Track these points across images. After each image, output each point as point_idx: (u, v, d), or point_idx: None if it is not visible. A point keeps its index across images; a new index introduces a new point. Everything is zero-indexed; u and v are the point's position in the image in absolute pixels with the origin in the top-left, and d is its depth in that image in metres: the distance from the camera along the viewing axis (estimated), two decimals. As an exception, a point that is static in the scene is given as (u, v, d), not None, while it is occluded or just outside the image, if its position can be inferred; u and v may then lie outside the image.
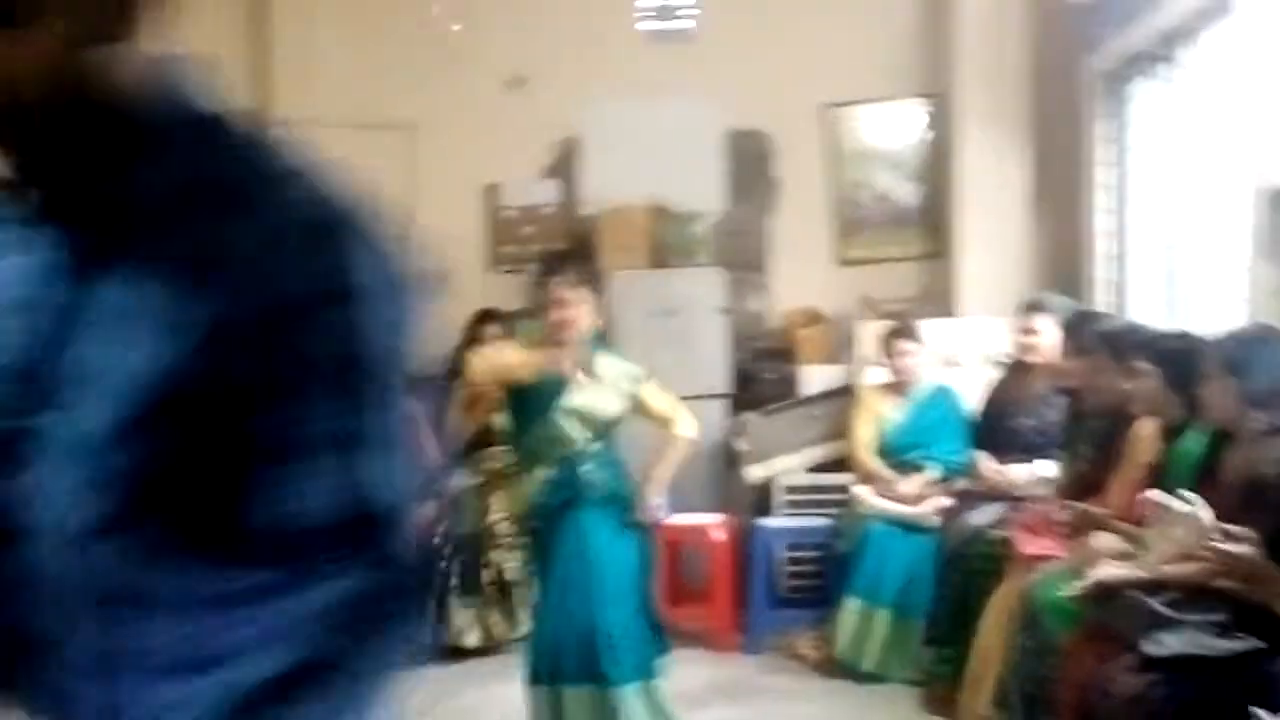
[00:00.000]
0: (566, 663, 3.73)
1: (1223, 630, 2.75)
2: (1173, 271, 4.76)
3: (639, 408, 3.93)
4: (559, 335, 3.77)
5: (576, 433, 3.81)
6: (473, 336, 5.90)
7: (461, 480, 5.66)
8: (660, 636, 3.95)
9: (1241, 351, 3.07)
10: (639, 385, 3.92)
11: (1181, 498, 3.09)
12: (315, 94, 6.04)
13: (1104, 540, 3.68)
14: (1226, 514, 3.11)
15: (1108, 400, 4.04)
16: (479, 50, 6.39)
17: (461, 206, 6.47)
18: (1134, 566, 3.23)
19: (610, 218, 6.19)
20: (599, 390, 3.83)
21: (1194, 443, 3.44)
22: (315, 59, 6.25)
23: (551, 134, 6.49)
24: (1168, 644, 2.70)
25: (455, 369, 5.93)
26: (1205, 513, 2.92)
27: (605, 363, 3.90)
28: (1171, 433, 3.60)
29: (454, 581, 5.41)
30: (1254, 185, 3.82)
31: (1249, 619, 2.77)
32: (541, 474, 3.83)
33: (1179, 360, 3.48)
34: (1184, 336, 3.77)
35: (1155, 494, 3.17)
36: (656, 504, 3.99)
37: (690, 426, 4.01)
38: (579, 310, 3.76)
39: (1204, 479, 3.29)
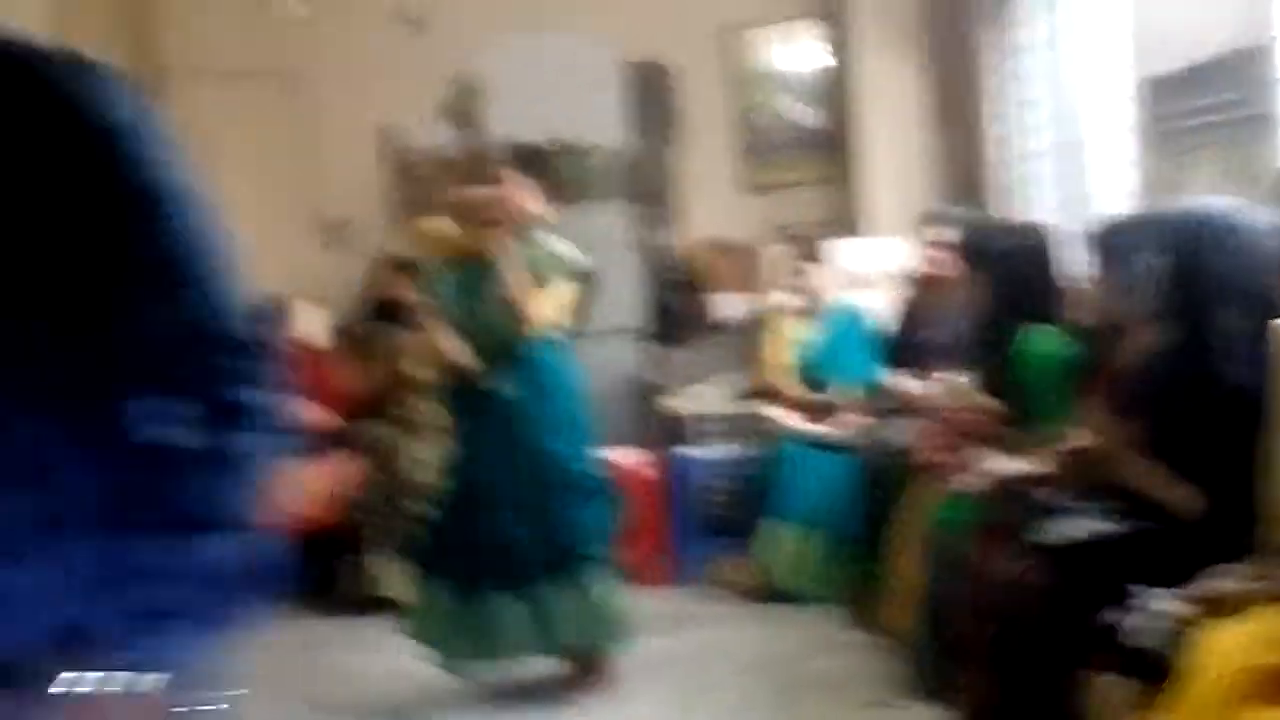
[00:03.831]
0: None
1: (1115, 517, 2.76)
2: (1065, 171, 4.76)
3: None
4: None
5: None
6: (383, 284, 5.82)
7: (377, 431, 5.60)
8: None
9: (1120, 239, 3.05)
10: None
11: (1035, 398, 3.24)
12: (197, 43, 5.88)
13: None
14: (1119, 406, 3.13)
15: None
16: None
17: (360, 154, 6.34)
18: (1029, 462, 3.25)
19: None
20: None
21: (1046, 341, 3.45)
22: (195, 6, 6.07)
23: (446, 74, 6.36)
24: (1052, 531, 2.70)
25: (372, 319, 5.86)
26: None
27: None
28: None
29: (372, 534, 5.34)
30: (1137, 76, 3.80)
31: (1145, 505, 2.78)
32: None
33: (1018, 258, 3.50)
34: (1031, 230, 3.77)
35: None
36: None
37: None
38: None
39: (1089, 375, 3.30)
